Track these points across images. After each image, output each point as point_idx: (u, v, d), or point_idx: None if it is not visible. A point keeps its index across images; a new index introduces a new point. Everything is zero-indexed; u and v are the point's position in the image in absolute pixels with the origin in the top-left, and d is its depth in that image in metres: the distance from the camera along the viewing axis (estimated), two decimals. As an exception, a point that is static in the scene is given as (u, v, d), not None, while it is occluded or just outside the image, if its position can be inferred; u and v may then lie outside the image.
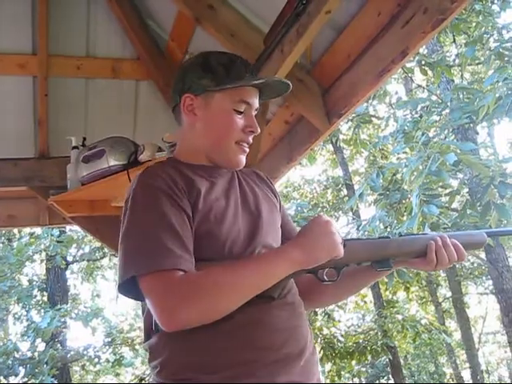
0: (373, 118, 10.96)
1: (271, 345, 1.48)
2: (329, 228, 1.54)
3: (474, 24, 8.41)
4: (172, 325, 1.41)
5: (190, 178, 1.61)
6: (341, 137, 12.15)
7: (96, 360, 13.28)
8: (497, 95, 6.41)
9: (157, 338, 1.54)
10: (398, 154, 9.75)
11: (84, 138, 3.62)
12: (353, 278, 1.80)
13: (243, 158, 1.71)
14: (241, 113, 1.67)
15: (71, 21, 3.85)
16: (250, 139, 1.71)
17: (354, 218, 13.02)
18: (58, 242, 12.16)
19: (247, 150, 1.72)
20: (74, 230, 13.12)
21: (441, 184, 7.55)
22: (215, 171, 1.69)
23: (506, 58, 7.01)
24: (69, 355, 12.89)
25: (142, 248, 1.46)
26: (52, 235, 12.16)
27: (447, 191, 8.09)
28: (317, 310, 11.58)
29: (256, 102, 1.72)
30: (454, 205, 9.16)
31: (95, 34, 3.94)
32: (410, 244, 1.71)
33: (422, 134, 7.19)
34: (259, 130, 1.71)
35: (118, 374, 15.40)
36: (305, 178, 15.89)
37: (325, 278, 1.59)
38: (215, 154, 1.69)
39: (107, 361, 13.54)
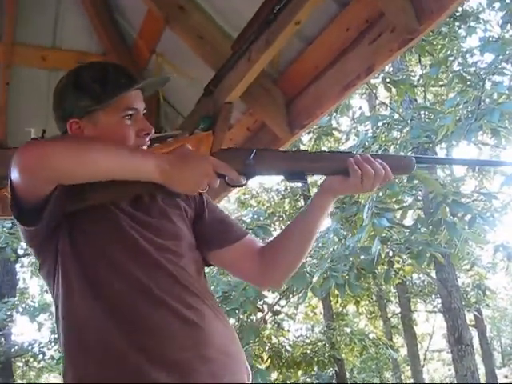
0: (334, 131, 11.05)
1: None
2: (204, 166, 1.52)
3: (439, 46, 8.57)
4: (33, 157, 1.40)
5: None
6: (301, 147, 12.22)
7: (40, 356, 13.07)
8: (457, 117, 6.53)
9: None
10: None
11: (44, 131, 3.55)
12: (291, 231, 1.79)
13: None
14: (130, 119, 1.65)
15: (40, 10, 3.79)
16: (147, 141, 1.68)
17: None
18: (9, 233, 11.93)
19: None
20: (26, 222, 12.90)
21: (394, 199, 7.65)
22: None
23: (468, 82, 7.15)
24: (13, 350, 12.66)
25: None
26: (4, 227, 11.93)
27: (400, 206, 8.20)
28: (267, 318, 11.60)
29: (141, 103, 1.71)
30: (409, 223, 9.29)
31: (63, 25, 3.88)
32: (326, 158, 1.65)
33: (380, 148, 7.28)
34: (153, 130, 1.69)
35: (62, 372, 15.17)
36: (263, 186, 15.94)
37: (232, 182, 1.58)
38: None
39: (52, 358, 13.33)
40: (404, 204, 8.41)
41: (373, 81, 8.64)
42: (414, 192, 8.67)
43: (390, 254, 7.83)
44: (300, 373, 11.94)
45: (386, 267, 8.05)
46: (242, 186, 1.62)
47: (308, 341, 12.83)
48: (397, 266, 9.03)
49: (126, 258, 1.54)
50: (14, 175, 1.40)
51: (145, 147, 1.68)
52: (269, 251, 1.79)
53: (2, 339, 12.07)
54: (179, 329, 1.49)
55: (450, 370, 19.01)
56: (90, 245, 1.55)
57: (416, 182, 7.07)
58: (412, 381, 15.88)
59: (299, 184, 13.87)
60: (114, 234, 1.57)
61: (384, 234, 6.65)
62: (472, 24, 8.28)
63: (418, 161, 1.73)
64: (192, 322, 1.52)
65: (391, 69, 10.20)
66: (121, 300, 1.50)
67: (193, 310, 1.54)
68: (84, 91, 1.64)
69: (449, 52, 8.42)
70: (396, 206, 7.86)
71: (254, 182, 15.79)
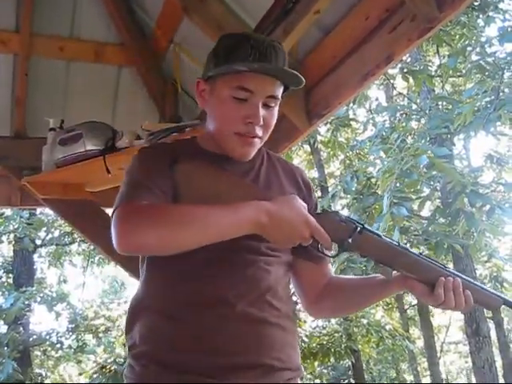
0: (352, 122, 11.00)
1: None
2: (302, 229, 1.48)
3: (457, 36, 8.50)
4: (126, 244, 1.42)
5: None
6: (319, 138, 12.19)
7: (58, 346, 13.19)
8: (475, 108, 6.48)
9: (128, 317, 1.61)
10: (374, 156, 9.81)
11: (62, 121, 3.57)
12: (355, 291, 1.77)
13: (248, 150, 1.62)
14: (243, 101, 1.56)
15: (57, 1, 3.80)
16: (256, 131, 1.59)
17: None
18: (27, 224, 12.02)
19: (253, 141, 1.61)
20: (44, 213, 13.00)
21: (413, 189, 7.60)
22: (223, 160, 1.63)
23: (487, 73, 7.08)
24: (31, 339, 12.77)
25: (122, 191, 1.54)
26: (22, 217, 12.02)
27: (418, 196, 8.16)
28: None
29: (266, 90, 1.57)
30: (427, 214, 9.24)
31: (80, 16, 3.89)
32: (423, 268, 1.58)
33: (398, 138, 7.24)
34: (261, 121, 1.58)
35: (79, 362, 15.28)
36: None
37: (323, 250, 1.55)
38: (219, 143, 1.64)
39: (69, 347, 13.45)
40: (422, 194, 8.36)
41: (390, 71, 8.60)
42: (431, 183, 8.62)
43: (408, 245, 7.78)
44: (316, 364, 11.95)
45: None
46: (330, 256, 1.60)
47: (324, 332, 12.81)
48: (414, 257, 8.98)
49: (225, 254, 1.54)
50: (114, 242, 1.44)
51: (249, 136, 1.61)
52: (331, 292, 1.76)
53: (21, 328, 12.16)
54: (246, 330, 1.51)
55: (466, 362, 18.92)
56: None
57: (434, 172, 7.02)
58: (428, 373, 15.84)
59: (316, 175, 13.86)
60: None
61: (402, 225, 6.62)
62: (491, 14, 8.19)
63: (506, 303, 1.64)
64: (259, 324, 1.54)
65: (409, 59, 10.14)
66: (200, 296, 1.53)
67: (266, 313, 1.55)
68: (213, 55, 1.62)
69: (467, 42, 8.34)
70: (414, 197, 7.81)
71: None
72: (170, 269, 1.54)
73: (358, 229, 1.53)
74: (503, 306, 1.64)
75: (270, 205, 1.47)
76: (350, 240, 1.52)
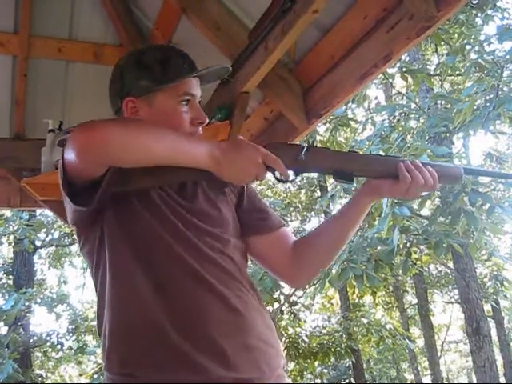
0: (350, 122, 11.00)
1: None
2: (255, 157, 1.51)
3: (456, 35, 8.49)
4: (88, 137, 1.43)
5: None
6: (318, 138, 12.18)
7: (59, 347, 13.18)
8: (474, 106, 6.47)
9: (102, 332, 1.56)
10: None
11: (61, 122, 3.58)
12: (327, 229, 1.78)
13: None
14: (187, 106, 1.65)
15: (56, 2, 3.80)
16: (200, 130, 1.68)
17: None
18: (27, 225, 12.02)
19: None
20: (44, 214, 13.02)
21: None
22: None
23: (486, 71, 7.08)
24: (31, 340, 12.77)
25: None
26: (21, 218, 12.02)
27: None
28: (283, 308, 11.62)
29: (198, 91, 1.69)
30: (426, 213, 9.23)
31: (79, 17, 3.89)
32: (377, 161, 1.65)
33: (398, 137, 7.23)
34: (207, 120, 1.68)
35: (80, 362, 15.31)
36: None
37: (279, 177, 1.58)
38: None
39: (70, 348, 13.45)
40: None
41: (389, 70, 8.58)
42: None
43: (408, 244, 7.78)
44: (317, 363, 11.95)
45: (403, 258, 8.01)
46: (289, 181, 1.61)
47: (325, 331, 12.84)
48: (414, 256, 8.99)
49: (174, 242, 1.54)
50: (69, 154, 1.42)
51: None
52: (302, 246, 1.77)
53: (21, 330, 12.16)
54: (224, 315, 1.49)
55: (467, 361, 18.96)
56: (140, 226, 1.55)
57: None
58: (429, 372, 15.86)
59: (315, 175, 13.86)
60: (161, 218, 1.57)
61: (402, 224, 6.61)
62: (489, 12, 8.19)
63: (466, 171, 1.72)
64: (236, 310, 1.52)
65: (407, 58, 10.13)
66: (171, 280, 1.50)
67: (237, 297, 1.54)
68: (146, 70, 1.64)
69: (466, 40, 8.34)
70: (414, 196, 7.79)
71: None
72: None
73: (305, 147, 1.58)
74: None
75: (222, 143, 1.52)
76: (301, 157, 1.57)
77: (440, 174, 1.65)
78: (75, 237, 1.73)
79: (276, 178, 1.58)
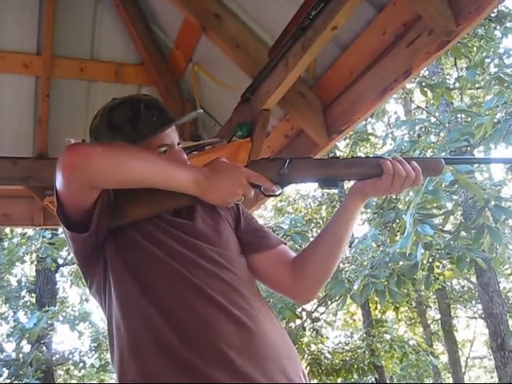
0: (370, 137, 10.99)
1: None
2: (238, 178, 1.55)
3: (475, 48, 8.47)
4: (73, 154, 1.42)
5: None
6: (338, 153, 12.18)
7: (81, 365, 13.19)
8: (495, 120, 6.43)
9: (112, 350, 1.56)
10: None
11: (83, 141, 3.61)
12: (323, 238, 1.78)
13: None
14: (164, 153, 1.67)
15: (77, 23, 3.86)
16: None
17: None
18: (49, 243, 12.09)
19: None
20: (66, 232, 13.06)
21: (435, 205, 7.56)
22: None
23: (506, 84, 7.05)
24: (54, 358, 12.80)
25: None
26: (44, 237, 12.10)
27: (441, 212, 8.10)
28: (305, 325, 11.56)
29: (175, 137, 1.72)
30: (448, 227, 9.17)
31: (100, 37, 3.95)
32: (360, 164, 1.67)
33: (420, 154, 7.21)
34: (188, 162, 1.72)
35: (102, 380, 15.29)
36: (300, 192, 15.91)
37: (267, 192, 1.61)
38: None
39: (92, 366, 13.45)
40: (445, 209, 8.30)
41: (408, 85, 8.57)
42: (453, 197, 8.56)
43: (430, 259, 7.73)
44: (339, 380, 11.85)
45: (425, 273, 7.96)
46: (277, 195, 1.64)
47: (347, 348, 12.74)
48: (437, 271, 8.92)
49: (171, 260, 1.55)
50: (57, 178, 1.44)
51: None
52: (301, 259, 1.78)
53: (44, 348, 12.21)
54: (233, 330, 1.49)
55: (492, 377, 18.67)
56: (142, 257, 1.57)
57: (456, 186, 6.98)
58: (453, 388, 15.66)
59: (335, 190, 13.85)
60: (159, 244, 1.59)
61: (426, 241, 6.57)
62: (508, 25, 8.16)
63: (446, 162, 1.75)
64: (245, 325, 1.51)
65: (426, 72, 10.11)
66: (173, 299, 1.51)
67: (245, 312, 1.54)
68: (117, 131, 1.66)
69: (485, 54, 8.32)
70: (437, 212, 7.76)
71: (291, 189, 15.79)
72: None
73: (287, 160, 1.61)
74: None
75: (204, 168, 1.56)
76: (284, 170, 1.60)
77: (422, 166, 1.67)
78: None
79: (263, 194, 1.62)
